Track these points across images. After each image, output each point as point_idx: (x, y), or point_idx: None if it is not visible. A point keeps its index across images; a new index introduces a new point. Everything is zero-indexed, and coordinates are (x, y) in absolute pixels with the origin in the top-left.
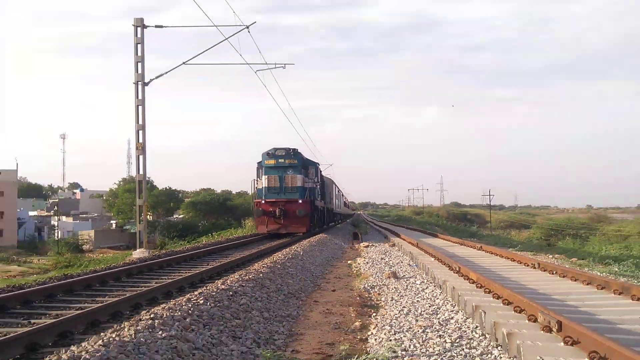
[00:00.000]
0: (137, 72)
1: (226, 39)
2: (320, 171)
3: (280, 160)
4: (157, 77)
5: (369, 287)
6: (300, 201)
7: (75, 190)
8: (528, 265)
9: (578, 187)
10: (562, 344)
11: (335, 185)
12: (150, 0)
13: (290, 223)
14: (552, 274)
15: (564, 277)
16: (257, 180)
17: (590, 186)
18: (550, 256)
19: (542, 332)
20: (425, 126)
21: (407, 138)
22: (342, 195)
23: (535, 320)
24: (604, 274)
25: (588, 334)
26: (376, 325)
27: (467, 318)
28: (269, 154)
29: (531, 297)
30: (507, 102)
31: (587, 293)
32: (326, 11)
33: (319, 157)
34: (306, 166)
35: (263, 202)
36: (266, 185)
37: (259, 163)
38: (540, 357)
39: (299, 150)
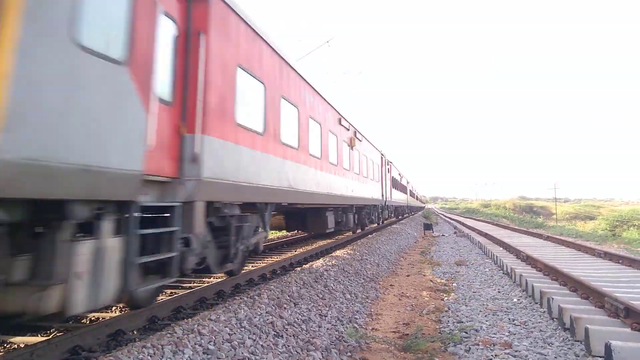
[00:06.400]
0: None
1: None
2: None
3: None
4: None
5: (440, 273)
6: None
7: None
8: (594, 255)
9: None
10: (630, 329)
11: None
12: None
13: None
14: (618, 263)
15: (629, 266)
16: None
17: None
18: (616, 246)
19: (608, 317)
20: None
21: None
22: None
23: (602, 307)
24: None
25: None
26: (449, 308)
27: (535, 303)
28: None
29: (597, 284)
30: None
31: None
32: None
33: None
34: None
35: None
36: None
37: None
38: (608, 342)
39: None
